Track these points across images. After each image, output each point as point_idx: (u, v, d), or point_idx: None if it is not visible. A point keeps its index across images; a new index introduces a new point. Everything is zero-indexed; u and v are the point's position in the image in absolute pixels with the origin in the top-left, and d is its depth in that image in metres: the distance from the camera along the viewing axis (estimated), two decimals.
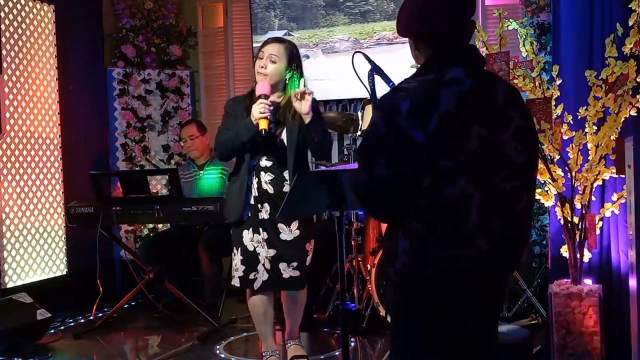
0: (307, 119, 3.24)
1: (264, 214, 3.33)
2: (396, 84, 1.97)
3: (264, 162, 3.33)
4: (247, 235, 3.34)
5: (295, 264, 3.34)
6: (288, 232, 3.34)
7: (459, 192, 1.78)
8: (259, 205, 3.32)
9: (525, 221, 1.92)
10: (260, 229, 3.33)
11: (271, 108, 3.21)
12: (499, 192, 1.83)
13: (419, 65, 1.95)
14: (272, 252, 3.33)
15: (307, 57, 5.51)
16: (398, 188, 1.81)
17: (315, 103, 3.31)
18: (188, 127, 5.14)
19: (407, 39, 1.98)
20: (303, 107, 3.21)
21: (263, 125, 3.17)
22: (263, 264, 3.33)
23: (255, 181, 3.33)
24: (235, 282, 3.39)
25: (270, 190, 3.30)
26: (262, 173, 3.32)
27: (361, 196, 1.88)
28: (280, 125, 3.32)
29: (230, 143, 3.30)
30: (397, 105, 1.79)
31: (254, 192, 3.33)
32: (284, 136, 3.31)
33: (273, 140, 3.29)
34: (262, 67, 3.28)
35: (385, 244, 1.94)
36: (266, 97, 3.22)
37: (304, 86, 3.27)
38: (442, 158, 1.77)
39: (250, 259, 3.34)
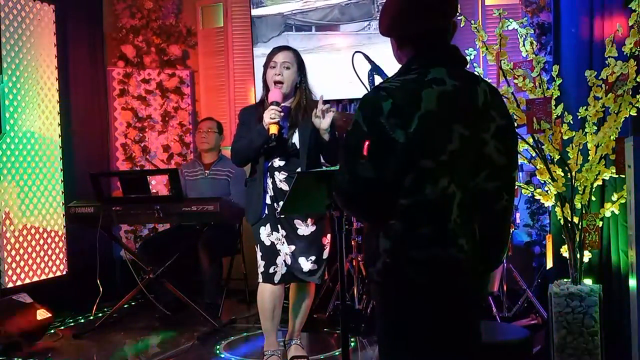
0: (326, 136, 3.36)
1: None
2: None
3: (277, 162, 3.43)
4: (263, 231, 3.44)
5: (313, 257, 3.45)
6: (305, 227, 3.43)
7: (440, 192, 1.79)
8: (275, 204, 3.40)
9: (505, 221, 1.94)
10: (279, 227, 3.43)
11: (282, 114, 3.32)
12: (480, 192, 1.84)
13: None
14: (292, 247, 3.43)
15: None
16: (380, 188, 1.81)
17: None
18: (209, 121, 5.22)
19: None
20: (324, 123, 3.33)
21: (273, 130, 3.28)
22: (284, 260, 3.43)
23: (270, 181, 3.43)
24: (259, 277, 3.49)
25: (285, 187, 3.38)
26: (277, 172, 3.42)
27: (344, 196, 1.88)
28: (292, 127, 3.43)
29: (246, 149, 3.42)
30: (379, 105, 1.79)
31: (270, 192, 3.43)
32: (295, 139, 3.42)
33: (285, 144, 3.39)
34: (278, 74, 3.41)
35: (366, 243, 1.94)
36: (277, 103, 3.33)
37: (322, 102, 3.35)
38: (424, 158, 1.78)
39: (269, 253, 3.44)
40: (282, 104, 3.37)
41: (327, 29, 5.50)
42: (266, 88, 3.48)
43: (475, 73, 2.44)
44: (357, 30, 5.40)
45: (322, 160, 3.57)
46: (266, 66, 3.47)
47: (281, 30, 5.55)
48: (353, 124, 1.85)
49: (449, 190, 1.79)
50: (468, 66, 1.99)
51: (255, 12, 5.63)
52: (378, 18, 1.98)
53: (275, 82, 3.41)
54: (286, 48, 3.53)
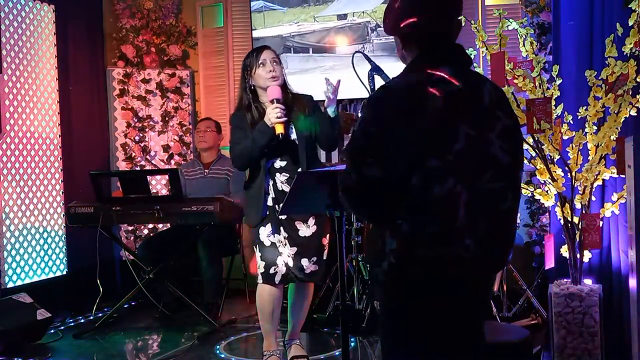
0: (332, 112, 3.33)
1: None
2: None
3: (278, 163, 3.41)
4: (263, 231, 3.43)
5: (315, 258, 3.44)
6: (306, 228, 3.41)
7: (447, 192, 1.78)
8: (277, 206, 3.37)
9: (510, 221, 1.92)
10: (281, 228, 3.41)
11: (284, 111, 3.28)
12: (486, 192, 1.83)
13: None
14: (294, 249, 3.41)
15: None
16: (387, 187, 1.80)
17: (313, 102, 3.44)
18: (207, 121, 5.26)
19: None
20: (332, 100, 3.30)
21: (280, 129, 3.25)
22: (286, 262, 3.41)
23: (271, 183, 3.41)
24: (259, 278, 3.47)
25: (287, 189, 3.34)
26: (278, 174, 3.40)
27: (350, 196, 1.87)
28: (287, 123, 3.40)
29: (248, 151, 3.37)
30: (385, 105, 1.79)
31: (271, 194, 3.41)
32: (292, 135, 3.40)
33: (291, 141, 3.37)
34: (271, 71, 3.39)
35: (370, 243, 1.93)
36: (279, 101, 3.30)
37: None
38: (430, 157, 1.77)
39: (269, 253, 3.42)
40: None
41: (324, 51, 5.60)
42: (254, 91, 3.45)
43: (481, 73, 2.44)
44: (352, 52, 5.46)
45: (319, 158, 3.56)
46: (251, 68, 3.43)
47: (280, 52, 5.61)
48: (359, 124, 1.84)
49: (455, 190, 1.78)
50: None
51: (254, 34, 5.67)
52: (382, 19, 1.98)
53: (270, 79, 3.38)
54: (268, 47, 3.52)
